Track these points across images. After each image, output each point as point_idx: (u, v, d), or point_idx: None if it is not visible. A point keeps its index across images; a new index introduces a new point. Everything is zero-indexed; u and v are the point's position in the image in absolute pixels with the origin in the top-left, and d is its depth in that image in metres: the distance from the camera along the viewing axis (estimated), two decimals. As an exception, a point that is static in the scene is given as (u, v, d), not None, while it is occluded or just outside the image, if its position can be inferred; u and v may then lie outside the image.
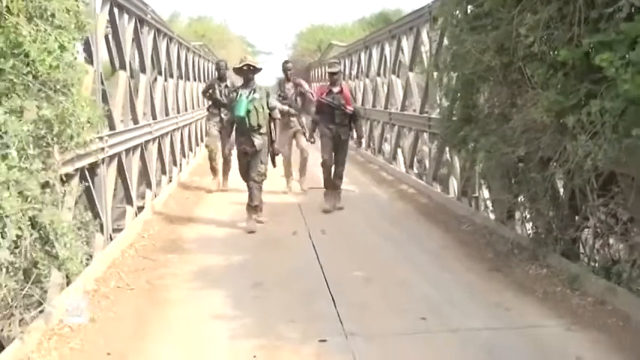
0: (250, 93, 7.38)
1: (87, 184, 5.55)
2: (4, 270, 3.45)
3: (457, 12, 6.81)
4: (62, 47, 3.70)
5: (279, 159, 8.12)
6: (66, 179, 4.74)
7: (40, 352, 3.97)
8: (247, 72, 7.48)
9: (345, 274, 5.77)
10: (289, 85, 9.88)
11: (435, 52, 8.78)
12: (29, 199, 3.43)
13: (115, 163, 6.77)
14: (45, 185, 4.03)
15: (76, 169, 5.17)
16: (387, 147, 13.76)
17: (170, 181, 10.38)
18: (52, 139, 4.03)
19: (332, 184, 8.67)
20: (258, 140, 7.39)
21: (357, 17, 47.21)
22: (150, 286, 5.49)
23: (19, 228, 3.32)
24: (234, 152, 8.02)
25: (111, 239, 6.35)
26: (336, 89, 8.50)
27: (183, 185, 10.84)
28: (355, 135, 8.80)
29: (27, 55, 3.51)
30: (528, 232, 6.20)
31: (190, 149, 13.55)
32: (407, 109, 11.84)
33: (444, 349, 4.16)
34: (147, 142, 8.58)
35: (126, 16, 7.83)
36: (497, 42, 5.56)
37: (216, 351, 4.18)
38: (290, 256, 6.42)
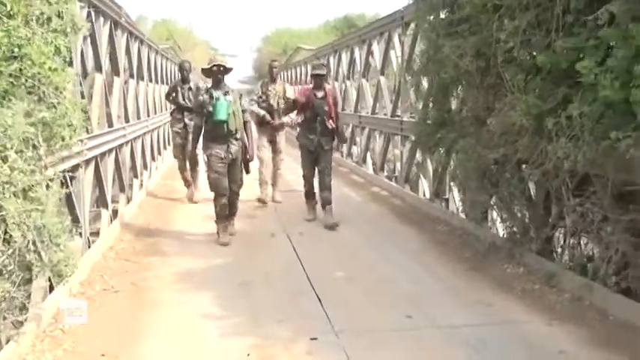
0: (224, 95, 6.84)
1: (68, 187, 5.51)
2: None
3: (432, 17, 6.98)
4: (57, 50, 3.72)
5: (254, 164, 7.51)
6: (50, 182, 4.71)
7: (34, 354, 3.98)
8: (217, 72, 6.88)
9: (327, 274, 5.86)
10: (274, 87, 8.98)
11: (408, 57, 8.89)
12: (32, 201, 3.43)
13: (92, 166, 6.73)
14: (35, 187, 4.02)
15: (61, 172, 5.14)
16: (355, 150, 13.89)
17: (141, 185, 10.30)
18: (44, 142, 4.03)
19: (314, 196, 8.15)
20: (235, 147, 6.95)
21: (322, 21, 47.60)
22: (135, 288, 5.50)
23: (21, 230, 3.32)
24: (201, 158, 7.41)
25: (89, 242, 6.32)
26: (320, 94, 7.83)
27: (155, 188, 10.79)
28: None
29: (28, 59, 3.52)
30: (503, 232, 6.38)
31: (159, 153, 13.47)
32: (377, 112, 11.99)
33: (431, 345, 4.28)
34: (121, 145, 8.52)
35: (102, 19, 7.79)
36: (476, 47, 5.73)
37: (208, 350, 4.22)
38: (271, 258, 6.48)
